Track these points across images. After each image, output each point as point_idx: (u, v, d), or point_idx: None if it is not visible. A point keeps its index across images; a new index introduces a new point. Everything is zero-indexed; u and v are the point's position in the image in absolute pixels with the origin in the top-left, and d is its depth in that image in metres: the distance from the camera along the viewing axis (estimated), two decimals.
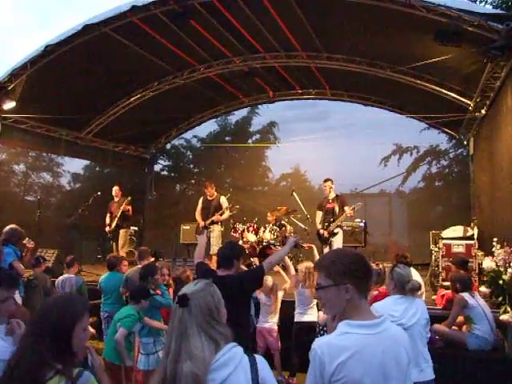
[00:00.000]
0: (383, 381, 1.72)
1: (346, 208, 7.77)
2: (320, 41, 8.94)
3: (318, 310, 5.29)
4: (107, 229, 9.50)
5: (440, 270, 6.88)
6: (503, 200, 7.15)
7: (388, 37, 8.04)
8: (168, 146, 15.09)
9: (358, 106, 11.76)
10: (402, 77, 9.24)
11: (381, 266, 5.47)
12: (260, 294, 5.50)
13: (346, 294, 1.80)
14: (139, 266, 5.75)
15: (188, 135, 14.73)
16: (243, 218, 10.32)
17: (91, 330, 3.55)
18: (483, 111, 8.58)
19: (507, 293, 5.38)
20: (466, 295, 4.86)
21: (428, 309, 3.54)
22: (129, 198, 9.48)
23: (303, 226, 9.55)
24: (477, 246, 6.91)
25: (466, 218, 9.23)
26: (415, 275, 5.45)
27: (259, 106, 13.70)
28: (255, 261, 8.94)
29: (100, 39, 8.20)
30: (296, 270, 5.68)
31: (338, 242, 7.78)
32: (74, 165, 13.86)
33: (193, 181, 15.37)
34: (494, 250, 6.14)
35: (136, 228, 11.50)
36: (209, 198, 8.84)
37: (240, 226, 10.02)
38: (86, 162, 14.39)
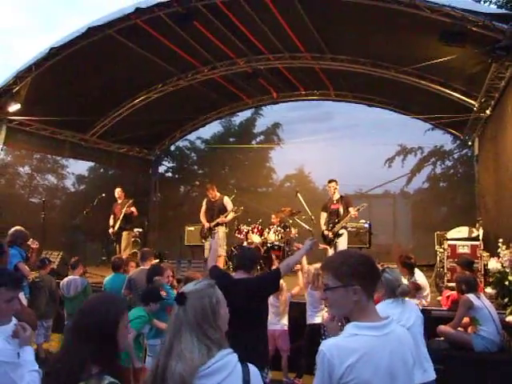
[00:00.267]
0: (390, 381, 1.72)
1: (350, 209, 7.75)
2: (324, 42, 8.93)
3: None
4: (110, 231, 9.50)
5: (445, 271, 6.86)
6: (508, 200, 7.11)
7: (392, 37, 8.03)
8: (172, 148, 15.09)
9: (362, 107, 11.74)
10: (407, 77, 9.21)
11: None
12: None
13: (353, 296, 1.80)
14: (142, 267, 5.76)
15: (192, 137, 14.73)
16: (247, 219, 10.33)
17: None
18: (488, 111, 8.54)
19: None
20: (471, 296, 4.83)
21: (433, 310, 3.53)
22: (131, 200, 9.45)
23: (308, 227, 9.52)
24: (482, 247, 6.88)
25: (470, 218, 9.18)
26: (420, 276, 5.46)
27: (263, 107, 13.66)
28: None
29: (104, 41, 8.22)
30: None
31: (342, 243, 7.76)
32: (79, 167, 13.85)
33: (197, 182, 15.34)
34: (499, 250, 6.12)
35: (141, 229, 11.48)
36: (212, 199, 8.88)
37: (244, 228, 10.03)
38: (91, 164, 14.38)
